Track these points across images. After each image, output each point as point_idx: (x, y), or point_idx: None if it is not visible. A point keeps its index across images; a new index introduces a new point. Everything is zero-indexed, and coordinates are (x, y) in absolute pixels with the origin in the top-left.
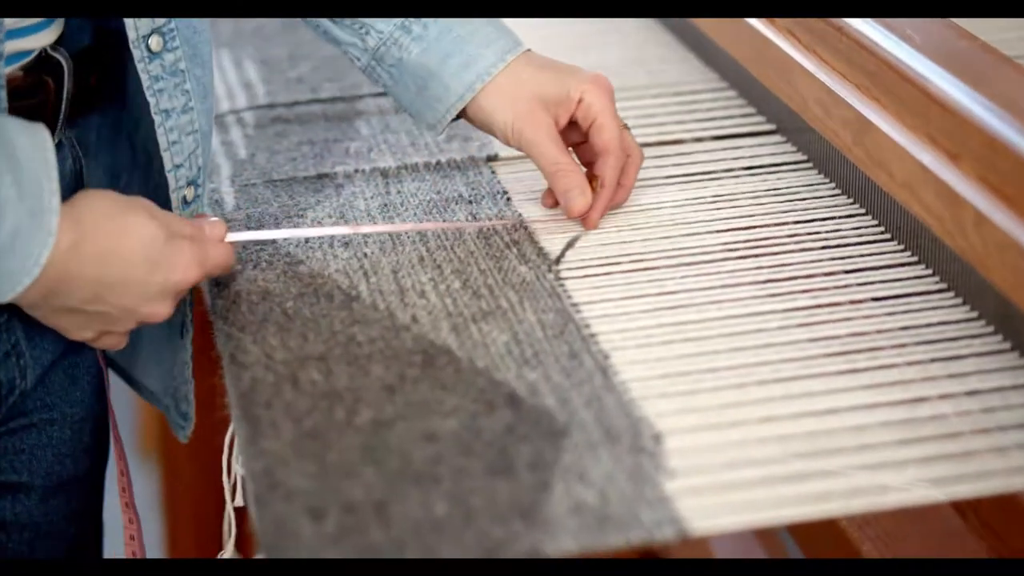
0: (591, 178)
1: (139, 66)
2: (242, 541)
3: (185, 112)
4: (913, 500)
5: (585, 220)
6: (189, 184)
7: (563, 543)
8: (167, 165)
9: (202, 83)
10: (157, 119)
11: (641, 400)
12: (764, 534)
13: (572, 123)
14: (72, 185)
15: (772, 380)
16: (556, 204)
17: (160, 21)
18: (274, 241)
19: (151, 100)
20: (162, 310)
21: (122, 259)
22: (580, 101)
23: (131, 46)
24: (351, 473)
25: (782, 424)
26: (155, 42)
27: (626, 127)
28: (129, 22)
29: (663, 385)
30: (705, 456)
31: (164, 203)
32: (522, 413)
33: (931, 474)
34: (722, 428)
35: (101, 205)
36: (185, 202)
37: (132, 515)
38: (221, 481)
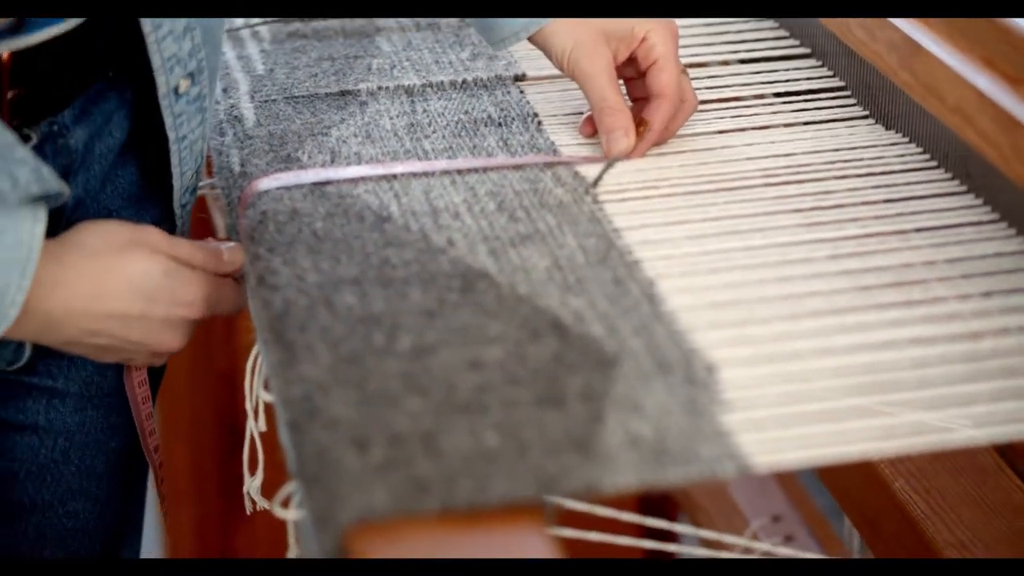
0: (638, 121)
1: (165, 111)
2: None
3: (200, 126)
4: (980, 439)
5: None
6: (193, 175)
7: (621, 477)
8: (174, 173)
9: (215, 94)
10: (173, 147)
11: (691, 330)
12: (784, 474)
13: (630, 60)
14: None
15: (826, 311)
16: (594, 133)
17: (191, 65)
18: (299, 160)
19: (170, 134)
20: (172, 342)
21: (112, 296)
22: (644, 40)
23: (159, 98)
24: (394, 401)
25: (839, 357)
26: (183, 85)
27: (685, 72)
28: (161, 77)
29: (713, 315)
30: (761, 389)
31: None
32: (569, 341)
33: (996, 412)
34: (777, 360)
35: (92, 243)
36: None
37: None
38: (217, 401)
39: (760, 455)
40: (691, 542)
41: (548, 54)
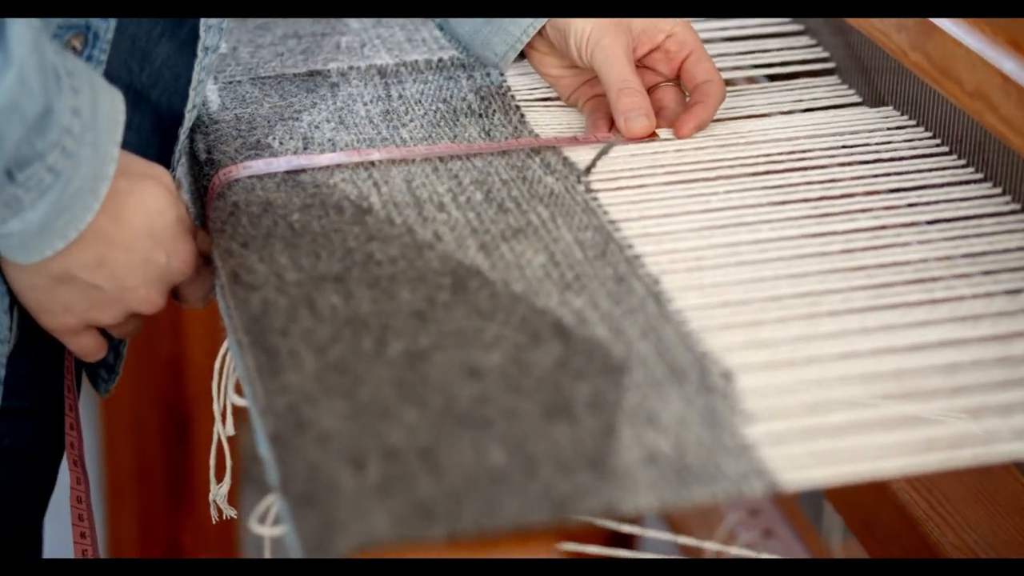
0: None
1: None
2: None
3: (215, 51)
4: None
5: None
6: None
7: (641, 498)
8: (188, 105)
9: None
10: (200, 55)
11: (702, 332)
12: None
13: (649, 67)
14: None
15: (844, 311)
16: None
17: None
18: (270, 146)
19: (202, 35)
20: (157, 298)
21: (129, 225)
22: (671, 35)
23: None
24: (388, 413)
25: (863, 361)
26: None
27: None
28: None
29: (724, 315)
30: (783, 397)
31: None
32: (573, 345)
33: None
34: (797, 365)
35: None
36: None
37: (80, 474)
38: (162, 391)
39: (788, 471)
40: (660, 547)
41: (564, 41)
